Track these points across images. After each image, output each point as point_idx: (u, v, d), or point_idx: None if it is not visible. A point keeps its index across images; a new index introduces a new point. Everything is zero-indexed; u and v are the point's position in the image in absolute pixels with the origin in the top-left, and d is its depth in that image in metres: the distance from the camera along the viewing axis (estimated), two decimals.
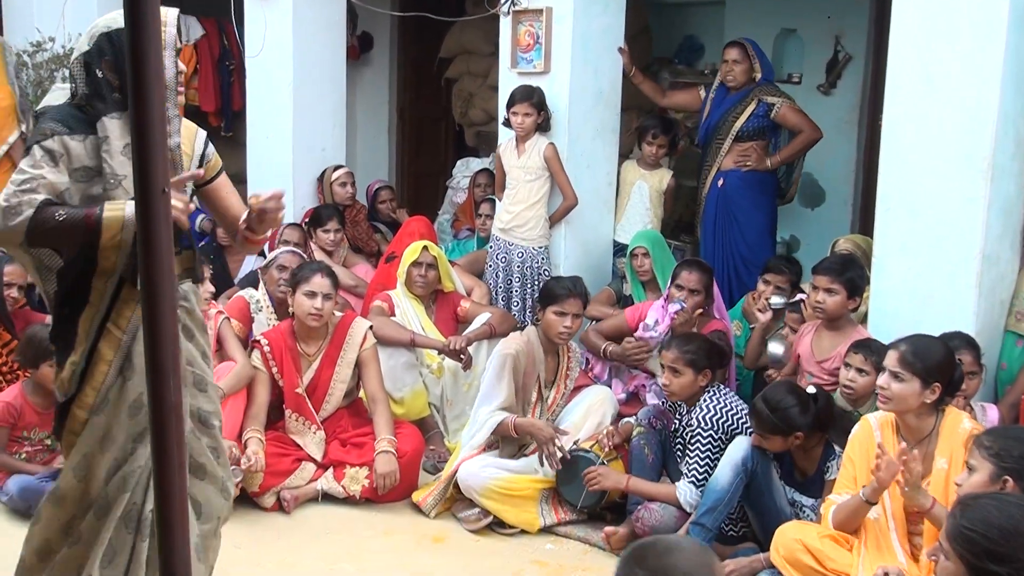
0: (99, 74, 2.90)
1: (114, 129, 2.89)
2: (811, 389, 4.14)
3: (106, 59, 2.88)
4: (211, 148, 3.25)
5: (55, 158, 2.85)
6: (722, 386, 4.54)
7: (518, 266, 6.00)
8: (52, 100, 3.01)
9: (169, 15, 2.89)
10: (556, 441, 4.61)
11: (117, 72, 2.89)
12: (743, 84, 6.15)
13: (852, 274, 4.59)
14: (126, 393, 3.00)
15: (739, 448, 4.10)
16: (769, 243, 6.33)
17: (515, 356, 4.80)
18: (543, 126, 5.87)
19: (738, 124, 6.11)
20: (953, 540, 2.62)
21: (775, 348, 5.05)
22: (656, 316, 5.10)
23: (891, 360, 3.61)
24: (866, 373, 4.17)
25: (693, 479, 4.28)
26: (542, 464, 4.66)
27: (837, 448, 3.99)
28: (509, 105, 5.88)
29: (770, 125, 6.17)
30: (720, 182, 6.20)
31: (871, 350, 4.17)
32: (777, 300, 5.17)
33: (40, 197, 2.81)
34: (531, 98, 5.80)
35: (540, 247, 5.99)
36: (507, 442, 4.81)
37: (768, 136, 6.23)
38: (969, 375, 4.09)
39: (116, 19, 2.88)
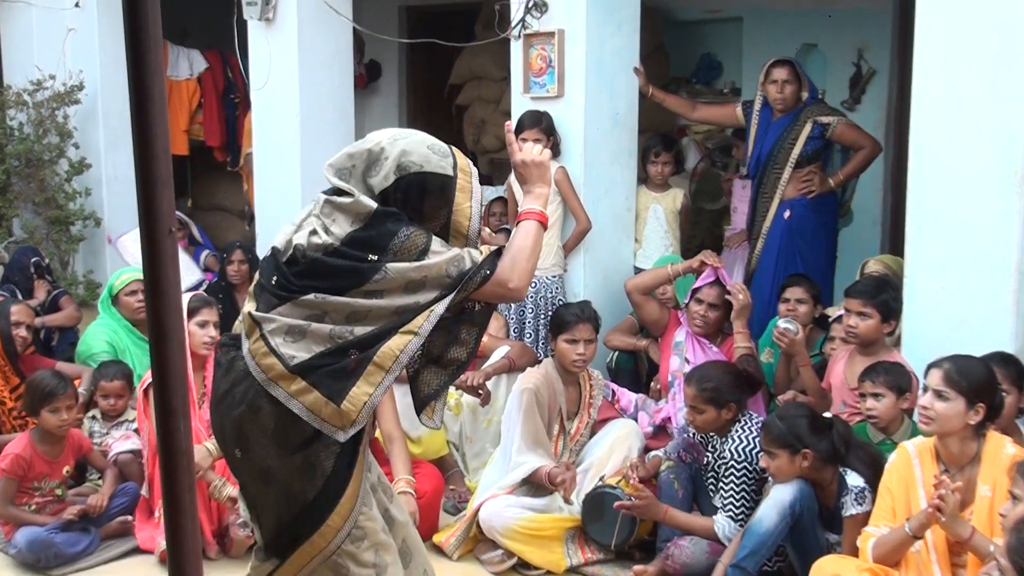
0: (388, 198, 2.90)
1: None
2: (827, 415, 4.06)
3: (399, 195, 2.89)
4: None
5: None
6: (754, 415, 4.42)
7: (531, 296, 5.86)
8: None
9: (473, 169, 3.01)
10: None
11: (404, 206, 2.89)
12: (792, 106, 5.81)
13: (886, 296, 4.48)
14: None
15: (786, 491, 3.91)
16: (831, 267, 6.00)
17: (535, 391, 4.70)
18: (552, 151, 5.75)
19: (796, 150, 5.74)
20: (1015, 554, 2.63)
21: (786, 323, 4.76)
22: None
23: (935, 379, 3.47)
24: (882, 396, 4.08)
25: (731, 513, 4.19)
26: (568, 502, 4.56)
27: (850, 484, 3.85)
28: (517, 132, 5.75)
29: (825, 145, 5.85)
30: (787, 213, 5.81)
31: (878, 372, 4.12)
32: (787, 326, 4.78)
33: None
34: (540, 123, 5.71)
35: (554, 276, 5.87)
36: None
37: (823, 156, 5.91)
38: (1007, 391, 3.92)
39: (428, 159, 2.89)
